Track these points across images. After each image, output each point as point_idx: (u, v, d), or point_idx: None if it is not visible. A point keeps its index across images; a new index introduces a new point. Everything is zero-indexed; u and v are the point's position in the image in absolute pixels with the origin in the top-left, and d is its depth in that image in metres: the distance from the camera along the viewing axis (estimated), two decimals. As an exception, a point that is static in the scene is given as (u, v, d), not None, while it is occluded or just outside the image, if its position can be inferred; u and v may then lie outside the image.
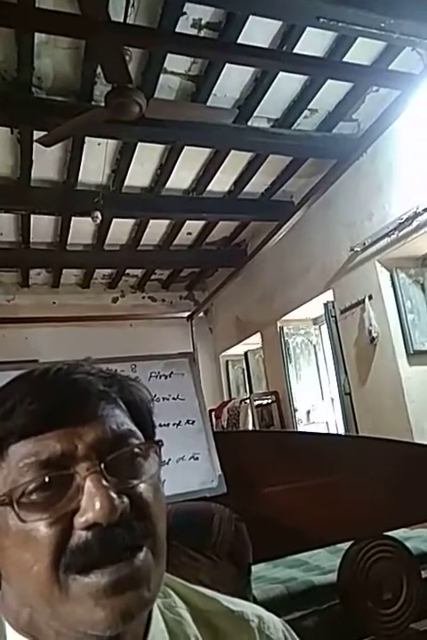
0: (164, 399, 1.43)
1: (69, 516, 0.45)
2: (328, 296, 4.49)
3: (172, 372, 1.46)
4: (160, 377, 1.44)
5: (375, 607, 1.56)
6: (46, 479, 0.45)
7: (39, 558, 0.44)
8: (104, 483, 0.45)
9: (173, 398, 1.44)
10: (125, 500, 0.46)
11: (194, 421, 1.42)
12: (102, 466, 0.46)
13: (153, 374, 1.44)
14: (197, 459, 1.37)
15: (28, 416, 0.46)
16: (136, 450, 0.49)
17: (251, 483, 1.51)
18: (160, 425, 1.40)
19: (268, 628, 0.59)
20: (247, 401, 5.86)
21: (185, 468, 1.35)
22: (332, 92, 3.42)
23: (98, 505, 0.43)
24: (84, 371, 0.51)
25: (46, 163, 3.78)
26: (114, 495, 0.44)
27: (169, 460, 1.35)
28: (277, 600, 1.53)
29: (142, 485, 0.48)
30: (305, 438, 1.95)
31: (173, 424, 1.40)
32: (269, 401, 5.55)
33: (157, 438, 0.53)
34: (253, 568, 1.89)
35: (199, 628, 0.56)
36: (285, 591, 1.59)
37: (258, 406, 5.64)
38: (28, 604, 0.47)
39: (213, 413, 6.07)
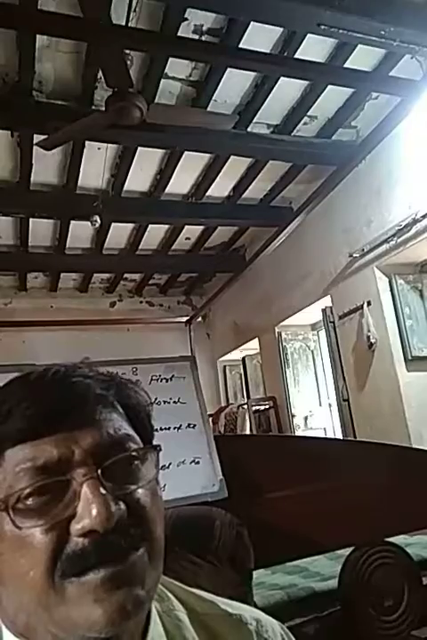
0: (165, 402, 1.42)
1: (66, 522, 0.45)
2: (326, 302, 4.49)
3: (173, 376, 1.45)
4: (161, 380, 1.44)
5: (376, 614, 1.54)
6: (42, 485, 0.45)
7: (35, 564, 0.44)
8: (101, 489, 0.45)
9: (174, 402, 1.43)
10: (122, 506, 0.45)
11: (195, 425, 1.42)
12: (99, 471, 0.45)
13: (154, 377, 1.43)
14: (198, 463, 1.36)
15: (25, 420, 0.46)
16: (133, 454, 0.49)
17: (251, 488, 1.50)
18: (161, 428, 1.40)
19: (266, 631, 0.59)
20: (245, 406, 5.86)
21: (186, 472, 1.34)
22: (331, 98, 3.44)
23: (94, 512, 0.43)
24: (82, 373, 0.51)
25: (46, 166, 3.77)
26: (110, 502, 0.44)
27: (170, 463, 1.34)
28: (277, 606, 1.52)
29: (140, 491, 0.48)
30: (306, 443, 1.95)
31: (174, 428, 1.39)
32: (267, 406, 5.54)
33: (155, 443, 0.53)
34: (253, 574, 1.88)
35: (197, 631, 0.55)
36: (285, 597, 1.58)
37: (255, 412, 5.63)
38: (25, 609, 0.46)
39: (210, 419, 6.06)
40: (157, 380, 1.43)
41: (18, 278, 5.85)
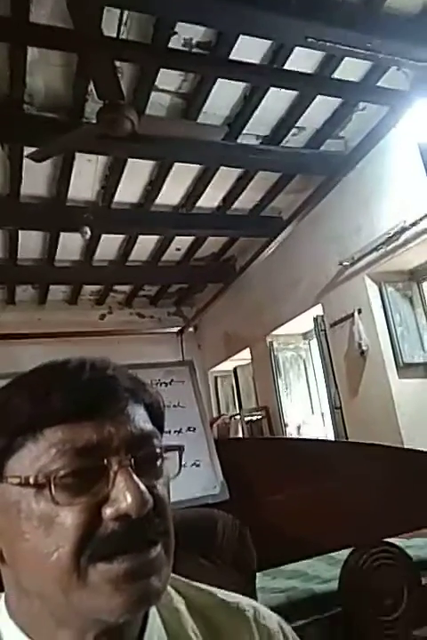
0: (165, 406, 1.42)
1: (98, 505, 0.46)
2: (317, 310, 4.53)
3: (172, 380, 1.46)
4: (161, 384, 1.45)
5: (377, 614, 1.55)
6: (80, 467, 0.46)
7: (63, 544, 0.44)
8: (135, 477, 0.46)
9: (174, 405, 1.44)
10: (150, 497, 0.47)
11: (195, 428, 1.42)
12: (133, 461, 0.47)
13: (154, 382, 1.44)
14: (198, 465, 1.37)
15: (68, 402, 0.47)
16: (158, 450, 0.51)
17: (251, 490, 1.51)
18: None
19: (263, 617, 0.60)
20: (237, 417, 5.85)
21: (187, 475, 1.35)
22: (319, 110, 3.50)
23: (130, 498, 0.45)
24: (115, 368, 0.52)
25: (36, 179, 3.78)
26: (145, 489, 0.46)
27: (170, 467, 1.34)
28: (278, 609, 1.49)
29: (160, 486, 0.50)
30: (304, 445, 1.96)
31: (175, 431, 1.40)
32: (260, 416, 5.54)
33: (181, 445, 0.55)
34: (253, 580, 1.87)
35: (196, 620, 0.57)
36: (285, 600, 1.58)
37: (248, 422, 5.63)
38: (38, 593, 0.47)
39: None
40: (157, 384, 1.45)
41: (6, 291, 5.81)
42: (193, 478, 1.36)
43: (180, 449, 0.54)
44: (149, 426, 0.51)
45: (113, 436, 0.48)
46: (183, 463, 1.51)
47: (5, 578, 0.50)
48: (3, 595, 0.52)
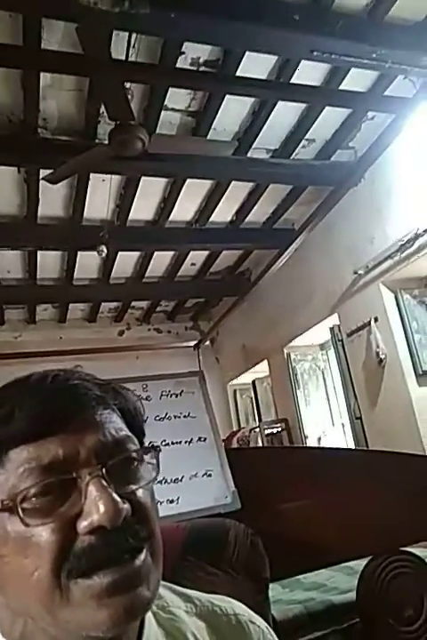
0: (175, 417, 1.45)
1: (72, 520, 0.45)
2: (334, 320, 4.50)
3: (182, 391, 1.48)
4: (171, 395, 1.47)
5: (396, 624, 1.52)
6: (48, 483, 0.45)
7: (41, 564, 0.44)
8: (107, 487, 0.45)
9: (185, 416, 1.45)
10: (127, 504, 0.46)
11: (205, 438, 1.44)
12: (104, 470, 0.46)
13: (164, 393, 1.47)
14: (210, 475, 1.38)
15: (30, 420, 0.46)
16: (134, 455, 0.50)
17: (264, 499, 1.51)
18: (173, 442, 1.42)
19: (255, 618, 0.62)
20: (257, 430, 5.83)
21: (199, 485, 1.36)
22: (328, 121, 3.51)
23: (102, 508, 0.44)
24: (80, 377, 0.52)
25: (52, 200, 3.87)
26: (118, 498, 0.45)
27: (182, 477, 1.35)
28: (296, 620, 1.50)
29: (140, 491, 0.49)
30: (318, 453, 1.94)
31: (185, 442, 1.41)
32: (279, 429, 5.51)
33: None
34: (270, 592, 1.86)
35: (195, 623, 0.57)
36: (304, 611, 1.56)
37: (268, 435, 5.60)
38: (25, 613, 0.47)
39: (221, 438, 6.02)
40: (167, 395, 1.47)
41: (27, 311, 5.93)
42: (205, 488, 1.37)
43: (156, 449, 0.52)
44: (122, 431, 0.50)
45: (80, 447, 0.46)
46: (195, 473, 1.52)
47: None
48: None
